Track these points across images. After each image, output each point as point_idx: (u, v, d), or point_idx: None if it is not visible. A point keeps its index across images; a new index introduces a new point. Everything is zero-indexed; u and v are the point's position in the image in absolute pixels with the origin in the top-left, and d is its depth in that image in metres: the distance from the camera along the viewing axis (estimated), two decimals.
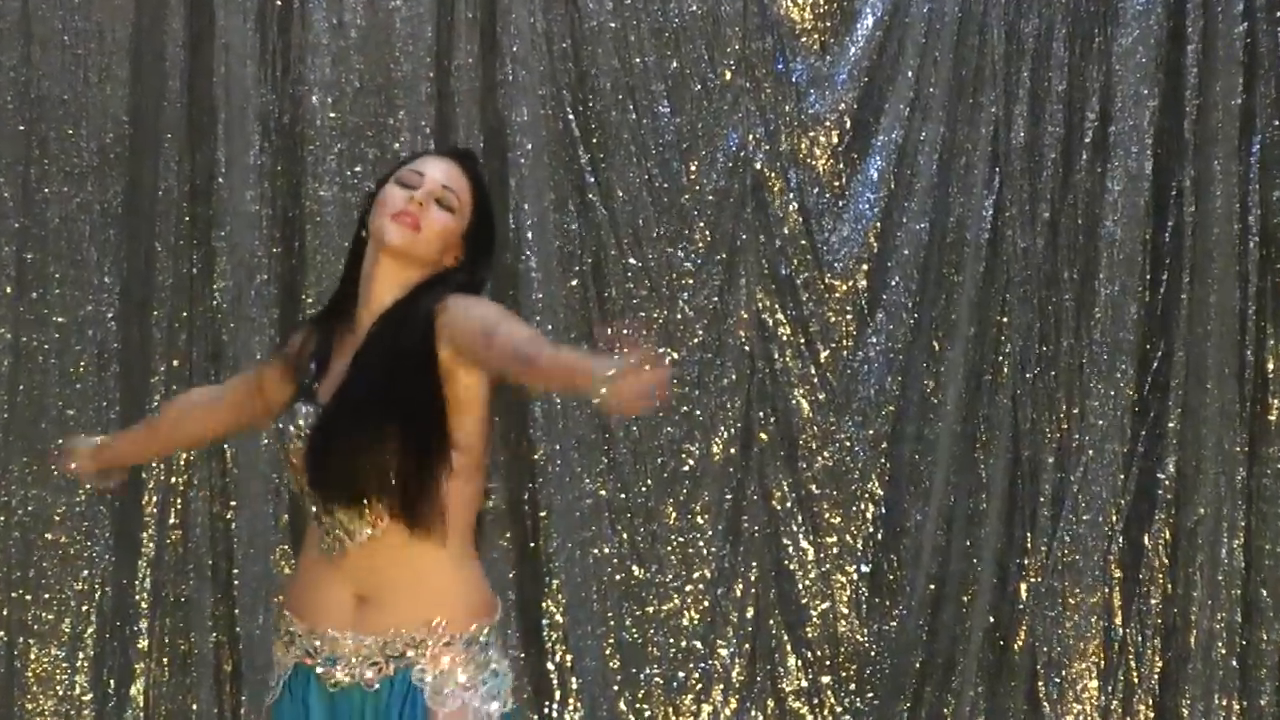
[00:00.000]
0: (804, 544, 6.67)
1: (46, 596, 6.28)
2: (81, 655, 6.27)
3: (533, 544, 6.58)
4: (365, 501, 3.75)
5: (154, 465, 6.29)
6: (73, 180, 6.44)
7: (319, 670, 3.80)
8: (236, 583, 6.31)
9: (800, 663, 6.66)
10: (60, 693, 6.23)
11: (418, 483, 3.72)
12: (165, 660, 6.27)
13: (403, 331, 3.80)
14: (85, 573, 6.29)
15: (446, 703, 3.73)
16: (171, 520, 6.33)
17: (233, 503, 6.26)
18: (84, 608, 6.21)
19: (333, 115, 6.60)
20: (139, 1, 6.49)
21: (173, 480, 6.23)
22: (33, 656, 6.26)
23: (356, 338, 3.88)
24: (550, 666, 6.48)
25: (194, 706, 6.36)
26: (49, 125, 6.44)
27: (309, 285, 6.61)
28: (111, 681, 6.26)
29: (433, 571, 3.74)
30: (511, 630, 6.47)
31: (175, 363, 6.40)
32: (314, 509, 3.83)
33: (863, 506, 6.73)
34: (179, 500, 6.33)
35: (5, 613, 6.24)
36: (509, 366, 3.70)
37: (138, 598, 6.23)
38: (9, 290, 6.34)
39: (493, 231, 4.03)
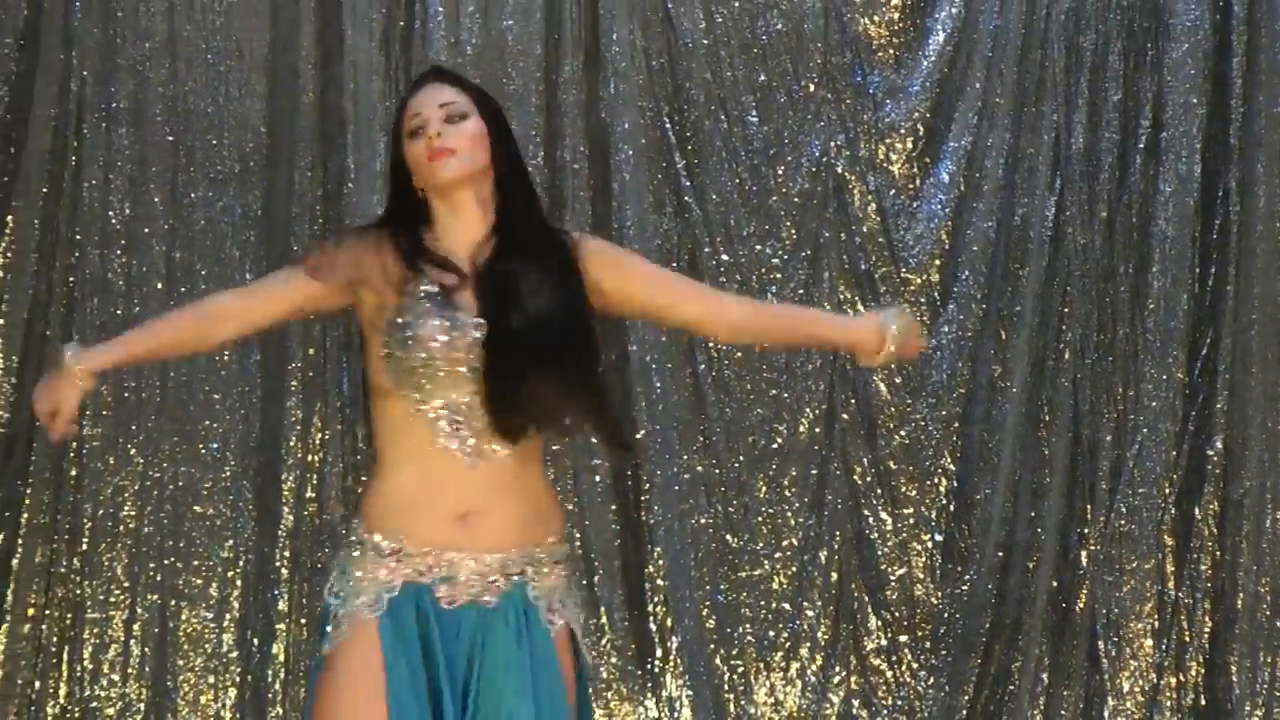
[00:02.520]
0: (883, 515, 6.90)
1: (196, 563, 6.60)
2: (228, 617, 6.58)
3: (636, 515, 6.77)
4: (534, 427, 3.72)
5: (292, 443, 6.58)
6: (216, 186, 6.67)
7: (436, 589, 3.75)
8: None
9: (880, 623, 6.88)
10: (209, 650, 6.56)
11: (599, 416, 3.78)
12: (303, 621, 6.54)
13: (565, 269, 3.82)
14: (230, 542, 6.58)
15: (557, 619, 3.77)
16: (308, 494, 6.63)
17: (363, 477, 6.47)
18: (230, 574, 6.52)
19: None
20: (274, 22, 6.71)
21: (309, 459, 6.57)
22: (184, 618, 6.59)
23: (461, 260, 3.78)
24: (652, 627, 6.71)
25: None
26: (194, 136, 6.66)
27: None
28: (255, 640, 6.55)
29: (541, 492, 3.78)
30: (618, 593, 6.73)
31: (311, 350, 6.67)
32: (448, 425, 3.75)
33: (936, 481, 6.92)
34: (315, 476, 6.64)
35: (159, 578, 6.55)
36: (694, 317, 3.86)
37: (278, 564, 6.53)
38: (159, 285, 6.57)
39: (498, 104, 3.97)
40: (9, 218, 6.66)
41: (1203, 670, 6.86)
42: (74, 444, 6.52)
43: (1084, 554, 6.88)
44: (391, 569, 3.73)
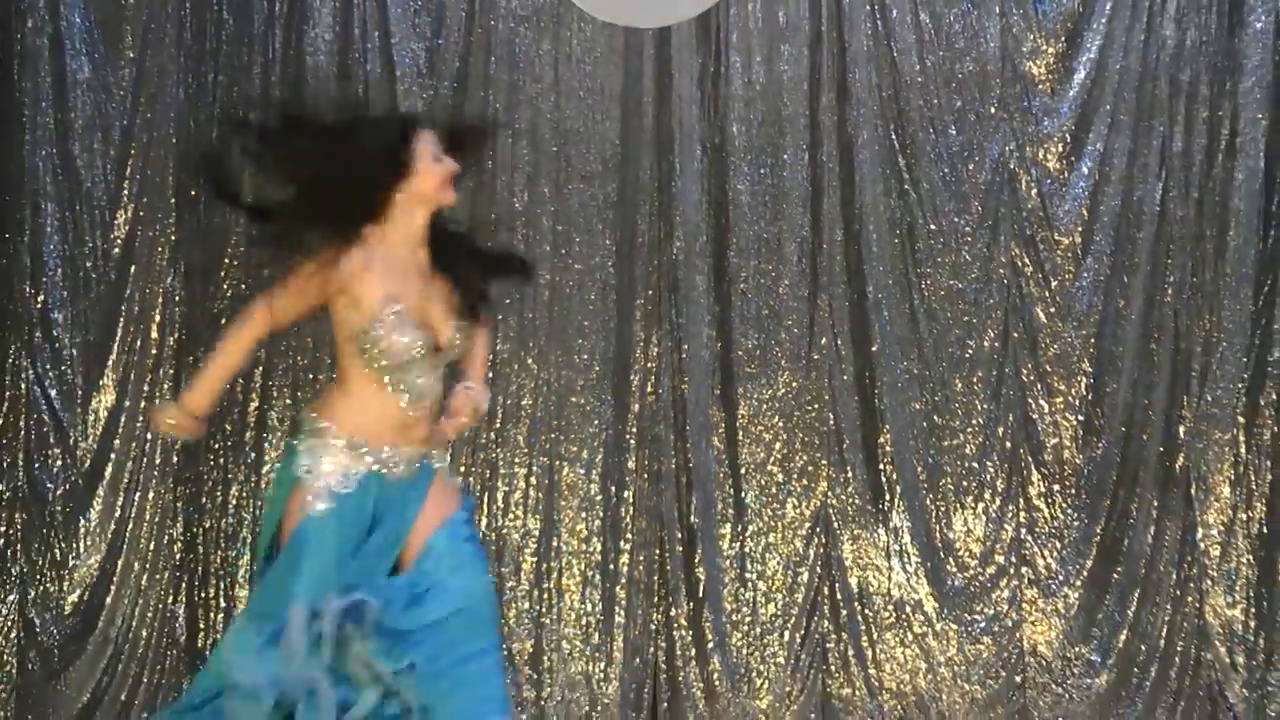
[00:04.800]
0: (1042, 402, 7.72)
1: (573, 435, 7.73)
2: (594, 472, 7.77)
3: (872, 404, 7.83)
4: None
5: (637, 354, 7.60)
6: (586, 180, 7.85)
7: (385, 471, 4.79)
8: None
9: (1039, 476, 7.73)
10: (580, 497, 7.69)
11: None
12: (644, 475, 7.65)
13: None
14: (595, 421, 7.70)
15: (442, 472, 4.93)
16: (648, 390, 7.68)
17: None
18: (595, 443, 7.69)
19: (743, 140, 7.88)
20: (626, 68, 7.79)
21: (649, 365, 7.67)
22: (564, 473, 7.72)
23: (394, 251, 4.68)
24: (883, 479, 7.79)
25: None
26: (571, 147, 7.83)
27: (731, 243, 7.82)
28: (611, 488, 7.70)
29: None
30: (859, 456, 7.72)
31: (649, 291, 7.81)
32: (406, 382, 4.72)
33: (1078, 379, 7.75)
34: (652, 378, 7.68)
35: (548, 445, 7.69)
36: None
37: (627, 437, 7.68)
38: (547, 248, 7.81)
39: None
40: None
41: (1265, 509, 7.72)
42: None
43: (1181, 429, 7.78)
44: (358, 459, 4.84)
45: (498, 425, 7.82)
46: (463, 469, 7.76)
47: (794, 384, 7.87)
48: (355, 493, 4.75)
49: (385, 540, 4.80)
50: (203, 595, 7.71)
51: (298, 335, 7.70)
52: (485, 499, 7.79)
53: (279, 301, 4.75)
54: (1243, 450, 7.77)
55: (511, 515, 7.86)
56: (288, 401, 7.86)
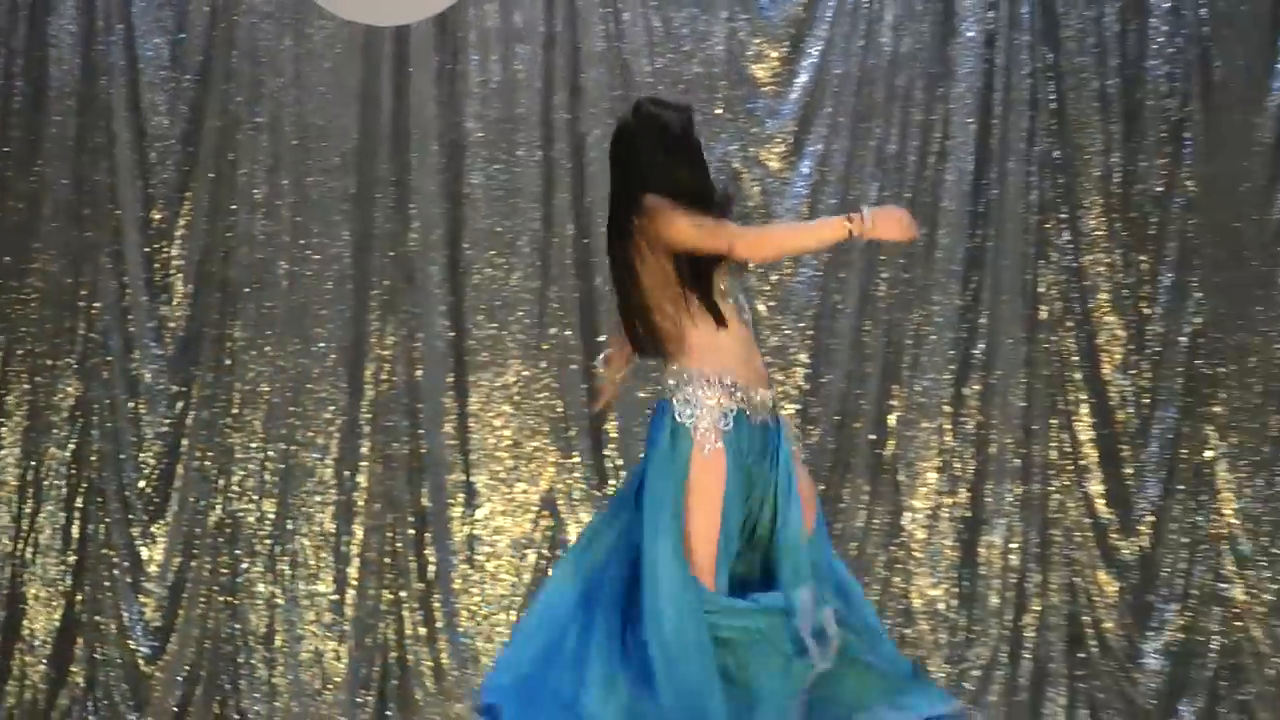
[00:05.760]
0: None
1: None
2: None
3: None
4: None
5: None
6: (325, 173, 7.93)
7: (749, 413, 4.85)
8: None
9: None
10: None
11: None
12: None
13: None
14: None
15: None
16: None
17: None
18: None
19: (478, 137, 8.00)
20: (365, 66, 7.93)
21: None
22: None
23: None
24: (608, 466, 7.95)
25: None
26: (311, 141, 7.94)
27: (465, 236, 7.93)
28: None
29: None
30: (585, 440, 7.94)
31: (385, 282, 7.91)
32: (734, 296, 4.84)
33: (795, 370, 7.95)
34: None
35: None
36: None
37: None
38: (286, 239, 7.94)
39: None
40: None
41: (968, 495, 8.01)
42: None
43: (891, 418, 8.04)
44: (730, 399, 4.89)
45: (235, 411, 8.05)
46: (199, 453, 8.03)
47: (524, 373, 8.12)
48: (733, 432, 4.82)
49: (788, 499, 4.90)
50: None
51: (37, 321, 7.90)
52: (222, 482, 8.02)
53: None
54: (948, 439, 8.06)
55: (247, 498, 8.05)
56: (26, 387, 8.06)
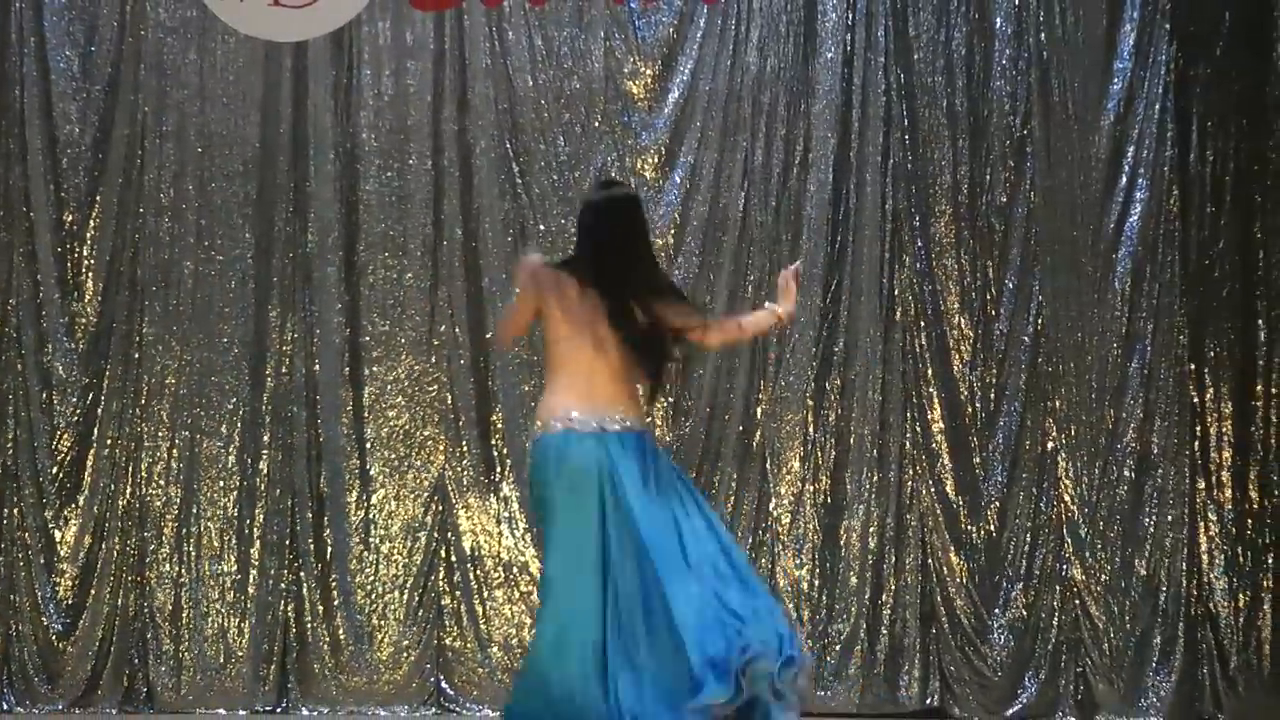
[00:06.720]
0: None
1: None
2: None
3: (487, 385, 8.12)
4: None
5: None
6: (228, 179, 8.15)
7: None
8: None
9: None
10: None
11: None
12: None
13: None
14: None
15: None
16: None
17: None
18: None
19: (372, 146, 8.22)
20: (265, 78, 8.11)
21: None
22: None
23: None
24: (495, 454, 8.14)
25: None
26: (214, 149, 8.16)
27: (361, 239, 8.09)
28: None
29: None
30: (473, 430, 8.09)
31: (285, 281, 8.07)
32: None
33: (669, 365, 7.90)
34: None
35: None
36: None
37: None
38: (191, 240, 8.15)
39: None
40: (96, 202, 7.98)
41: (829, 482, 8.27)
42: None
43: (759, 410, 8.25)
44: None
45: (143, 402, 8.23)
46: (109, 441, 8.19)
47: (416, 367, 8.32)
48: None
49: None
50: None
51: None
52: (130, 469, 8.19)
53: None
54: (811, 430, 8.32)
55: (155, 484, 8.25)
56: None
